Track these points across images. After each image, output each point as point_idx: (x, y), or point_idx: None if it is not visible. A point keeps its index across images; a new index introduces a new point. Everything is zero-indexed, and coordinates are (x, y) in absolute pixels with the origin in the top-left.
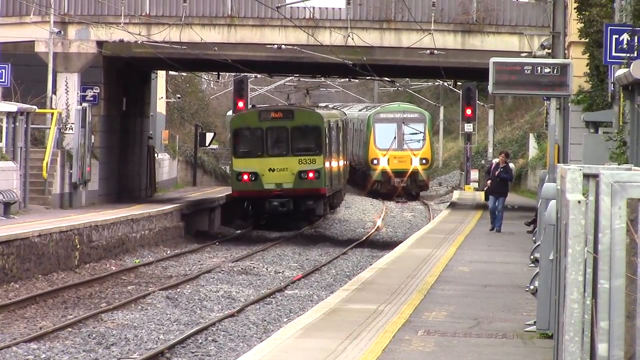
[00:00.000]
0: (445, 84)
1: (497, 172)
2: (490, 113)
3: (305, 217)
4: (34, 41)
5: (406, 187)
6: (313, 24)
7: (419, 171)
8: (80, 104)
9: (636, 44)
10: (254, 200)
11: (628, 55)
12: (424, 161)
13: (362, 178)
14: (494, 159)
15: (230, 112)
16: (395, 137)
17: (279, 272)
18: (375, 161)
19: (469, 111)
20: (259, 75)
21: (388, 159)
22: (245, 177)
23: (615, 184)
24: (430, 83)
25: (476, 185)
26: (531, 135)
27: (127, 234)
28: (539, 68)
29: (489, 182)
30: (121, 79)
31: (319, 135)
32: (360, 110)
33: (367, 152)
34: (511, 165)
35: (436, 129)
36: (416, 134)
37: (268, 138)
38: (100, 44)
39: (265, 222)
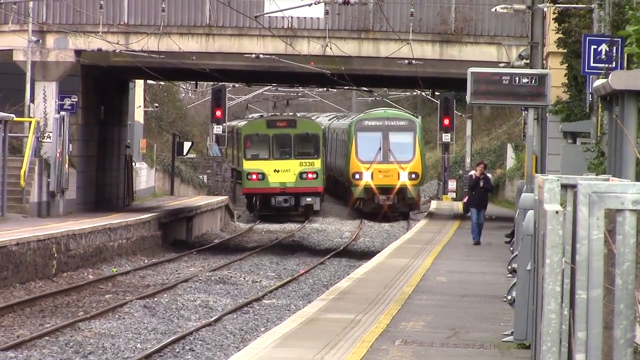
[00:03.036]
0: (423, 93)
1: (481, 184)
2: (468, 123)
3: (305, 211)
4: (12, 50)
5: (393, 206)
6: (291, 34)
7: (408, 187)
8: (58, 113)
9: (614, 54)
10: (261, 196)
11: (606, 65)
12: (413, 176)
13: (344, 191)
14: (472, 171)
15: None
16: (380, 148)
17: (257, 282)
18: (357, 176)
19: (446, 121)
20: (237, 85)
21: (372, 173)
22: (254, 176)
23: (593, 194)
24: (408, 93)
25: (454, 195)
26: (509, 145)
27: (105, 242)
28: (517, 78)
29: (472, 194)
30: (99, 88)
31: (317, 141)
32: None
33: (348, 165)
34: (489, 175)
35: None
36: (404, 144)
37: (274, 143)
38: (78, 52)
39: (269, 215)
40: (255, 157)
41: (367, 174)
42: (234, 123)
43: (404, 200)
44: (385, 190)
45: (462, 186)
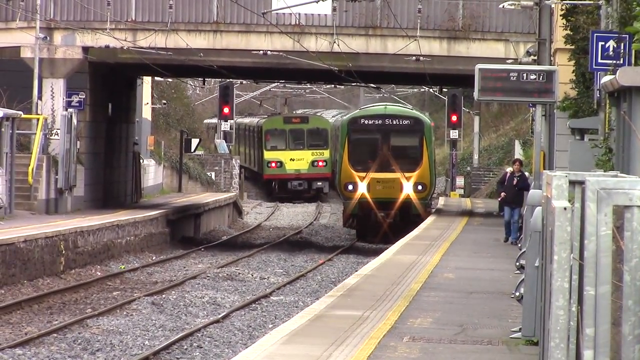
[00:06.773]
0: (431, 90)
1: (514, 182)
2: (476, 119)
3: (316, 194)
4: (19, 47)
5: (394, 224)
6: (299, 30)
7: (413, 202)
8: (66, 110)
9: (622, 50)
10: (279, 181)
11: (614, 62)
12: (419, 187)
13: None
14: (507, 168)
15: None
16: (378, 153)
17: (264, 278)
18: (350, 187)
19: (454, 117)
20: (244, 81)
21: (368, 184)
22: (273, 164)
23: (601, 190)
24: (415, 89)
25: (462, 191)
26: (517, 141)
27: (113, 239)
28: (524, 75)
29: (503, 193)
30: (107, 85)
31: (326, 135)
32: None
33: (339, 172)
34: (526, 173)
35: None
36: (408, 148)
37: (290, 136)
38: (86, 49)
39: (286, 197)
40: (274, 148)
41: (362, 185)
42: (242, 120)
43: (408, 218)
44: (384, 205)
45: (470, 182)
